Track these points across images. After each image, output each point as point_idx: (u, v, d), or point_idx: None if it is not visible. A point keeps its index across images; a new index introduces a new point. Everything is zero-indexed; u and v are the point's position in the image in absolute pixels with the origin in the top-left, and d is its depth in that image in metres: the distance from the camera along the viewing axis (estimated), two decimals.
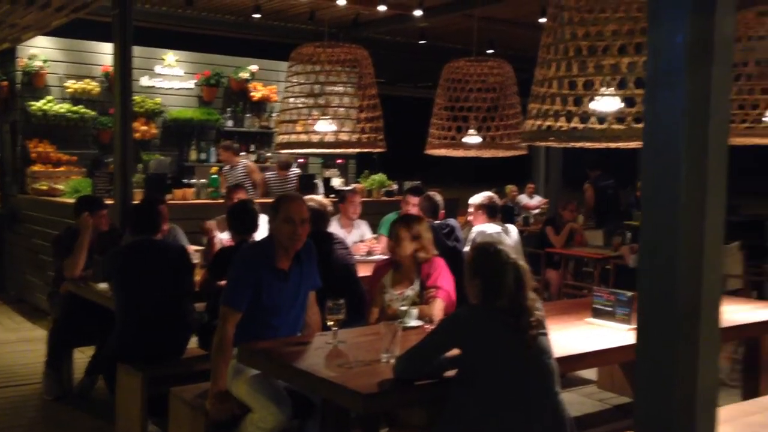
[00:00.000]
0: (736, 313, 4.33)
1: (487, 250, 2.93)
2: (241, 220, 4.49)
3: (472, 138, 6.01)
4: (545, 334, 2.82)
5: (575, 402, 4.87)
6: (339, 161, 10.75)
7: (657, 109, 2.45)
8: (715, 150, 2.37)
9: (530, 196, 11.57)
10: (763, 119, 4.66)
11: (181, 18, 9.69)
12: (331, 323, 3.28)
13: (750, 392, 4.35)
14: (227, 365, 3.36)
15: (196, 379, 3.85)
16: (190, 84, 9.86)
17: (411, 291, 3.98)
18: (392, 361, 2.88)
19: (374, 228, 6.37)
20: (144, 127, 9.27)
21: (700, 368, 2.36)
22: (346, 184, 9.76)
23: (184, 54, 9.87)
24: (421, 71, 13.16)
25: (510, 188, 11.42)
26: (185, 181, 8.20)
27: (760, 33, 4.63)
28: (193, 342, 4.49)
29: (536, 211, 11.09)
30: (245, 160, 8.69)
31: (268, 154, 10.11)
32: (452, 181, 20.37)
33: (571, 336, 3.63)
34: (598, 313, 3.94)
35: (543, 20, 3.95)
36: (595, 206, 9.48)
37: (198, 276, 4.67)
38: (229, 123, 10.02)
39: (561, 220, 8.04)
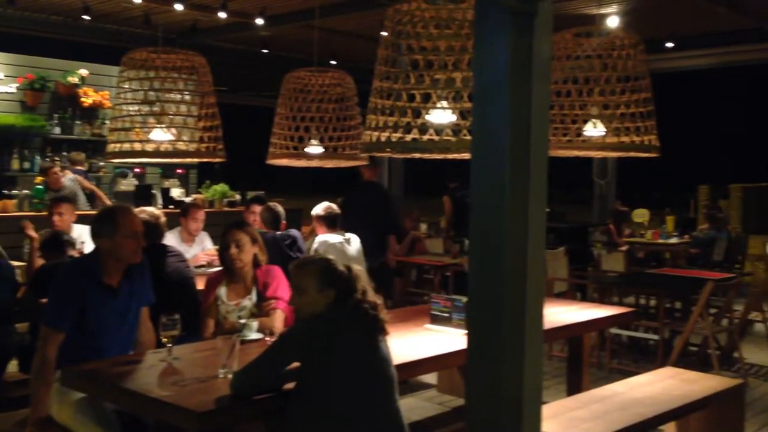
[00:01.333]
0: (561, 314, 4.62)
1: (329, 260, 2.93)
2: (54, 247, 4.45)
3: (314, 148, 6.02)
4: (385, 341, 2.86)
5: (416, 406, 4.99)
6: (179, 171, 10.39)
7: (483, 122, 2.57)
8: (536, 160, 2.52)
9: None
10: (582, 133, 5.03)
11: (0, 17, 8.99)
12: (165, 339, 3.14)
13: (574, 388, 4.66)
14: (49, 389, 3.12)
15: (14, 405, 3.55)
16: (11, 88, 9.15)
17: (248, 301, 3.90)
18: (230, 376, 2.80)
19: (215, 240, 6.20)
20: None
21: (525, 369, 2.48)
22: (187, 194, 9.45)
23: (3, 56, 9.15)
24: (265, 80, 13.03)
25: None
26: (6, 192, 7.60)
27: (578, 53, 4.99)
28: (13, 365, 4.15)
29: None
30: (71, 174, 8.17)
31: (101, 164, 9.58)
32: (297, 191, 20.32)
33: (410, 343, 3.70)
34: (435, 320, 4.06)
35: (384, 33, 4.03)
36: (454, 216, 9.78)
37: (19, 293, 4.33)
38: (57, 130, 9.39)
39: (402, 229, 8.22)
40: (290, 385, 2.75)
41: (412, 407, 4.92)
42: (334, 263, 2.89)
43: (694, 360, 6.07)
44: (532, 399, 2.50)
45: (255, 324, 3.61)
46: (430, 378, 5.37)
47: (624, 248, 8.96)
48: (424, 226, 9.63)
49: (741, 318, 6.32)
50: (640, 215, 11.91)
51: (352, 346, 2.72)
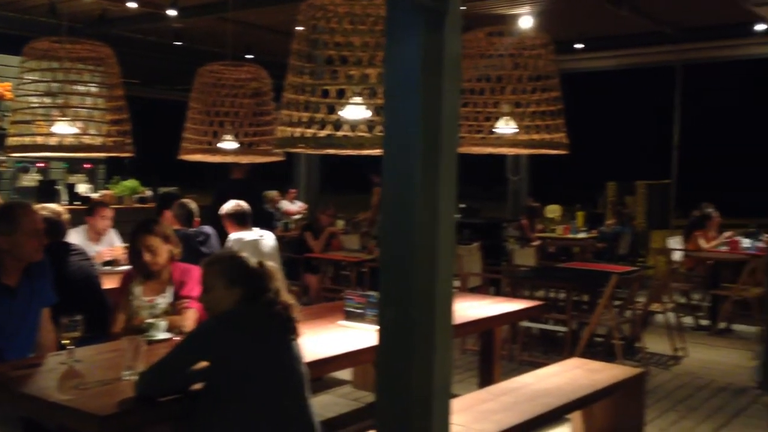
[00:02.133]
0: (474, 308, 4.71)
1: (238, 257, 2.88)
2: None
3: (229, 144, 5.91)
4: (296, 340, 2.83)
5: (331, 403, 4.99)
6: (86, 166, 10.00)
7: (395, 119, 2.59)
8: (446, 156, 2.55)
9: (292, 201, 11.68)
10: (494, 130, 5.13)
11: None
12: (67, 342, 3.02)
13: (486, 380, 4.76)
14: None
15: None
16: None
17: (162, 299, 3.78)
18: (135, 378, 2.71)
19: (125, 237, 6.00)
20: None
21: (435, 363, 2.51)
22: (95, 190, 9.11)
23: None
24: (179, 73, 12.68)
25: (271, 194, 11.43)
26: None
27: (490, 52, 5.09)
28: None
29: (298, 216, 11.22)
30: None
31: (2, 158, 9.11)
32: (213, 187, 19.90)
33: (324, 339, 3.69)
34: (350, 316, 4.06)
35: (299, 28, 3.99)
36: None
37: None
38: None
39: (319, 225, 8.20)
40: (198, 386, 2.69)
41: (326, 404, 4.91)
42: (243, 260, 2.85)
43: (600, 350, 6.30)
44: (442, 393, 2.53)
45: (163, 323, 3.51)
46: (345, 374, 5.38)
47: (536, 243, 9.21)
48: (341, 223, 9.62)
49: (643, 309, 6.60)
50: (553, 211, 12.27)
51: (260, 345, 2.69)
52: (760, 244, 8.05)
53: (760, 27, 8.62)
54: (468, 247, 7.42)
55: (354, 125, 3.93)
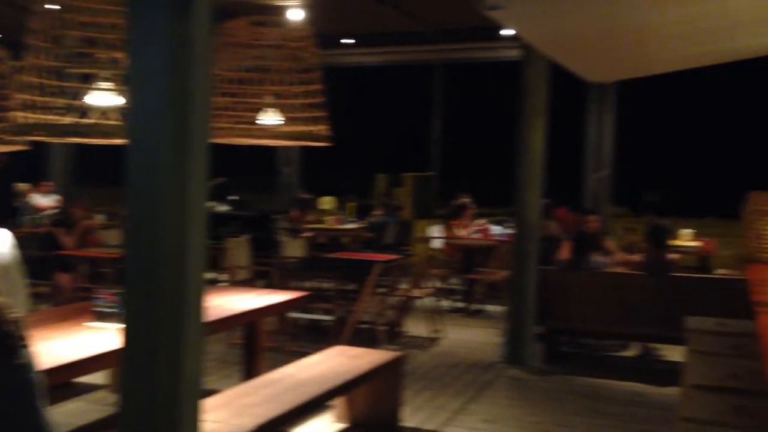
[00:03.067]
0: (239, 301, 4.64)
1: None
2: None
3: None
4: (26, 348, 2.58)
5: (81, 410, 4.64)
6: None
7: (139, 106, 2.45)
8: (197, 144, 2.45)
9: (45, 195, 10.72)
10: (258, 121, 5.08)
11: None
12: None
13: (250, 373, 4.71)
14: None
15: None
16: None
17: None
18: None
19: None
20: None
21: (184, 360, 2.42)
22: None
23: None
24: None
25: (21, 187, 10.42)
26: None
27: (253, 42, 5.03)
28: None
29: (53, 211, 10.32)
30: None
31: None
32: None
33: (70, 343, 3.43)
34: (100, 316, 3.81)
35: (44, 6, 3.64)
36: None
37: None
38: None
39: (72, 220, 7.60)
40: None
41: (76, 411, 4.58)
42: None
43: (365, 337, 6.53)
44: (192, 391, 2.45)
45: None
46: (99, 378, 5.03)
47: (307, 235, 9.32)
48: (101, 217, 9.01)
49: (405, 295, 6.94)
50: (326, 202, 12.51)
51: None
52: (508, 231, 8.83)
53: (505, 32, 9.41)
54: (236, 240, 7.32)
55: (104, 112, 3.69)
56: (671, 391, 5.06)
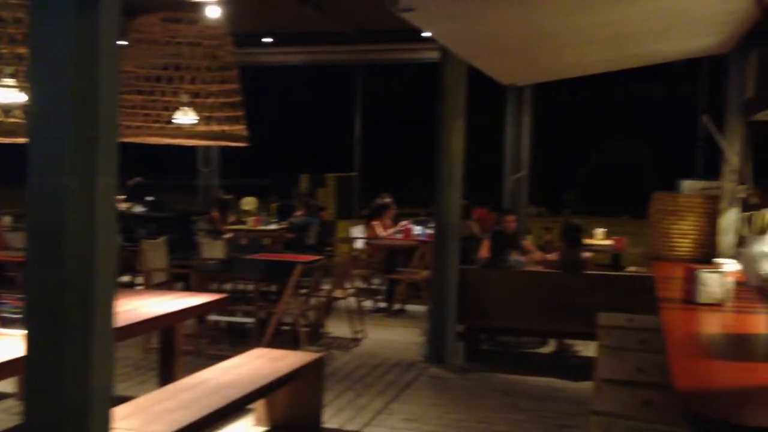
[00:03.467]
0: (155, 305, 4.51)
1: None
2: None
3: None
4: None
5: None
6: None
7: (42, 104, 2.35)
8: (104, 144, 2.37)
9: None
10: (173, 120, 4.96)
11: None
12: None
13: (167, 378, 4.59)
14: None
15: None
16: None
17: None
18: None
19: None
20: None
21: (92, 366, 2.33)
22: None
23: None
24: None
25: None
26: None
27: (168, 39, 4.91)
28: None
29: None
30: None
31: None
32: None
33: None
34: (6, 322, 3.63)
35: None
36: None
37: None
38: None
39: None
40: None
41: None
42: None
43: (287, 338, 6.47)
44: (101, 402, 2.36)
45: None
46: (6, 386, 4.81)
47: (228, 236, 9.16)
48: (8, 219, 8.60)
49: (327, 296, 6.92)
50: (248, 203, 12.33)
51: None
52: (429, 231, 8.92)
53: (426, 34, 9.51)
54: (153, 242, 7.12)
55: (6, 110, 3.53)
56: (586, 386, 5.22)
